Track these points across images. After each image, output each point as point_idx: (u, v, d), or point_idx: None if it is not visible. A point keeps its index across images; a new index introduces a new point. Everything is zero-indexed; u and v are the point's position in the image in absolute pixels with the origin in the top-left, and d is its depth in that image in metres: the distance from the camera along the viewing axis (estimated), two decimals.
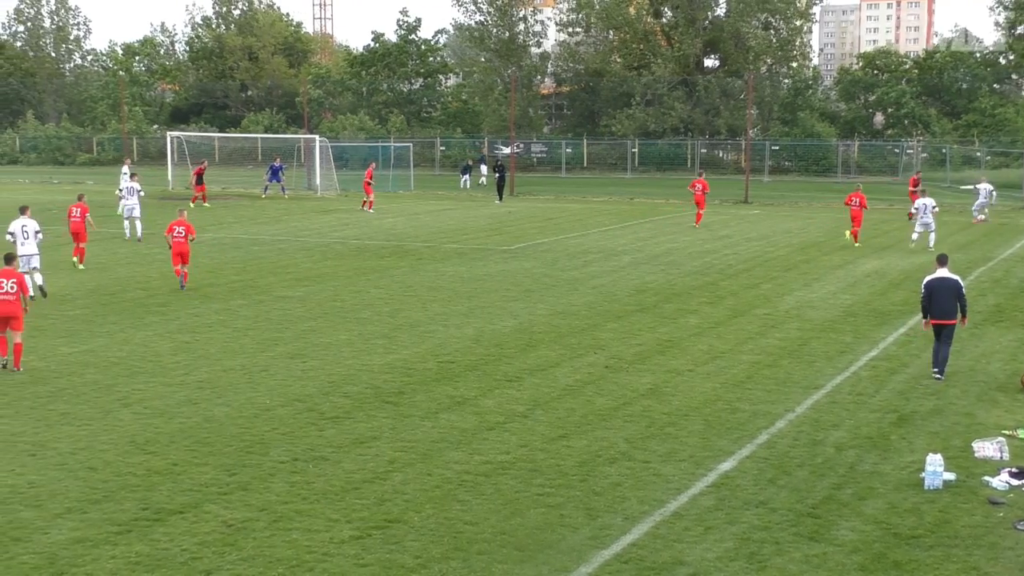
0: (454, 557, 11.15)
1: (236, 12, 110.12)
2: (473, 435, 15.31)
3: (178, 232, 27.51)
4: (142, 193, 39.88)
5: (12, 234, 26.14)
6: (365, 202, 51.59)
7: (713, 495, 12.94)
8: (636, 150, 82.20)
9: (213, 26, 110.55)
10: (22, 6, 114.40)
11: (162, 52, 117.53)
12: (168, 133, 74.64)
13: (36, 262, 25.96)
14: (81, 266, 31.04)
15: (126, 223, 38.97)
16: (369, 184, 51.83)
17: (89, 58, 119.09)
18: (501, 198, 58.26)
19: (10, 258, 19.94)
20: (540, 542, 11.57)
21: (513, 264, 32.70)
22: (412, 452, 14.47)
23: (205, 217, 48.07)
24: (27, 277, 23.15)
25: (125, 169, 48.86)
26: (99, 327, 22.80)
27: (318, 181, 63.87)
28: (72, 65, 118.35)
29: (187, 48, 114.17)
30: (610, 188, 66.40)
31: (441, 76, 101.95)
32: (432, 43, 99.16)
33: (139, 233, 37.46)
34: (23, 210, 26.86)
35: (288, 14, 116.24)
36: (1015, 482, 13.21)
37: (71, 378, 18.36)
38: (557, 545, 11.50)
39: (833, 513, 12.37)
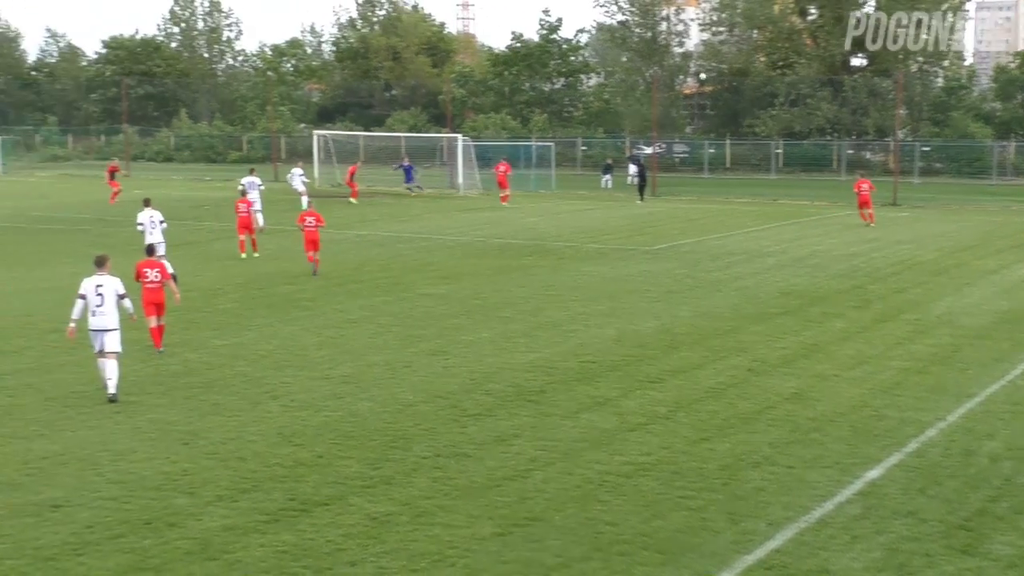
0: (594, 557, 11.12)
1: (380, 13, 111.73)
2: (614, 435, 15.25)
3: (309, 222, 29.99)
4: (262, 187, 41.41)
5: (142, 224, 28.23)
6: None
7: (860, 503, 12.64)
8: (780, 151, 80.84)
9: (358, 27, 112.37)
10: (176, 8, 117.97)
11: (309, 52, 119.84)
12: (314, 132, 76.05)
13: (161, 250, 26.70)
14: (256, 254, 33.95)
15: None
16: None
17: (240, 59, 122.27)
18: (643, 198, 57.99)
19: (151, 250, 21.56)
20: (682, 545, 11.46)
21: (655, 265, 32.49)
22: (553, 451, 14.48)
23: (351, 214, 48.93)
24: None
25: (298, 171, 51.93)
26: (249, 321, 23.36)
27: (460, 180, 64.37)
28: (224, 65, 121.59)
29: (333, 48, 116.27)
30: (753, 189, 65.46)
31: (583, 76, 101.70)
32: (574, 43, 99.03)
33: (261, 223, 38.02)
34: (147, 202, 28.94)
35: (431, 15, 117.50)
36: None
37: (222, 370, 18.85)
38: (699, 548, 11.38)
39: (987, 526, 11.97)
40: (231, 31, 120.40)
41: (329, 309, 24.80)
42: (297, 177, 51.69)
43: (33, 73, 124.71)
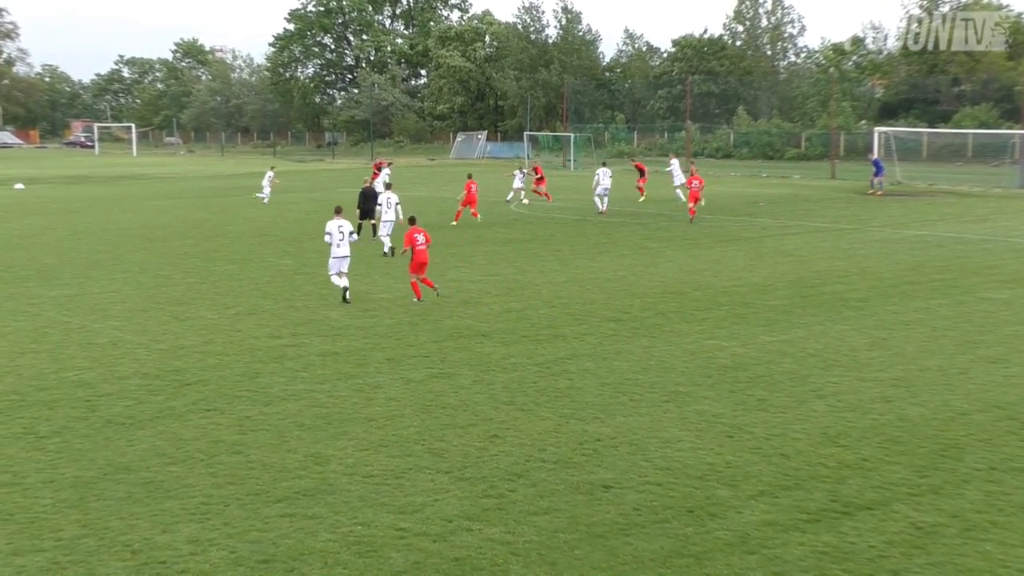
0: None
1: (944, 9, 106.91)
2: None
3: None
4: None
5: (329, 235, 25.60)
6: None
7: None
8: None
9: (924, 23, 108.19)
10: (741, 7, 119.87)
11: (872, 48, 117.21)
12: (875, 129, 74.35)
13: (345, 265, 25.61)
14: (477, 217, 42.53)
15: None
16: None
17: (802, 55, 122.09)
18: None
19: (413, 220, 26.14)
20: None
21: None
22: None
23: (910, 214, 47.37)
24: (336, 278, 25.50)
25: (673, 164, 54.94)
26: (798, 318, 23.28)
27: None
28: (786, 63, 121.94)
29: (898, 43, 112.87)
30: None
31: None
32: None
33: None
34: (338, 211, 26.31)
35: (1009, 5, 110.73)
36: None
37: (768, 366, 18.92)
38: None
39: None
40: (793, 28, 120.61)
41: (881, 310, 24.15)
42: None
43: (607, 73, 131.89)
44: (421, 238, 25.09)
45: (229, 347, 20.52)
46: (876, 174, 59.83)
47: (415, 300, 25.19)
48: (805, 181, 69.41)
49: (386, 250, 33.54)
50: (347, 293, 25.22)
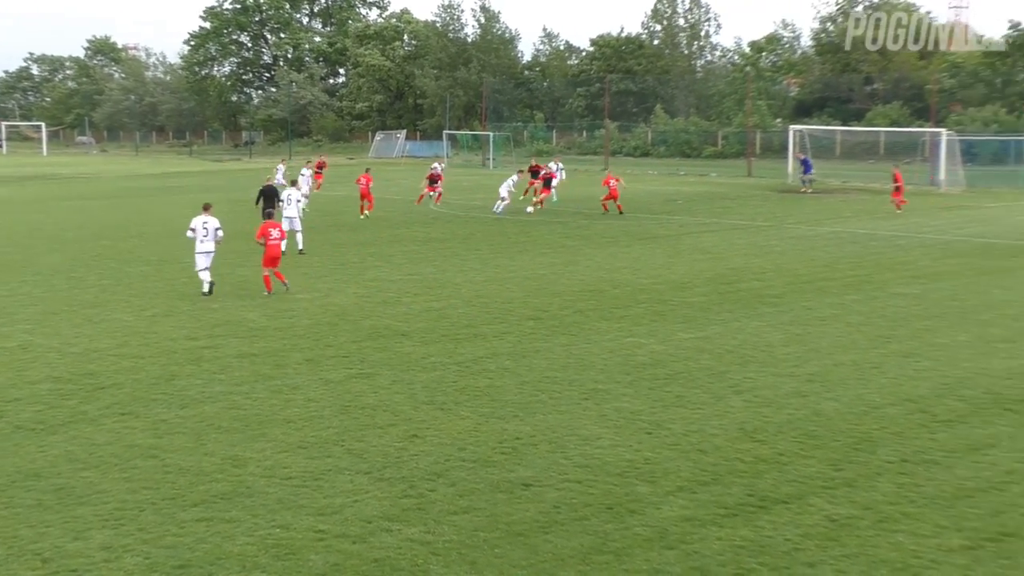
0: None
1: (858, 10, 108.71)
2: None
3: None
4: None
5: (193, 230, 26.07)
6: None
7: None
8: None
9: (838, 21, 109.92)
10: (659, 6, 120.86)
11: (786, 47, 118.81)
12: (791, 127, 75.39)
13: (210, 260, 26.13)
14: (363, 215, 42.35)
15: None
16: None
17: (718, 54, 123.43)
18: None
19: (269, 214, 27.42)
20: None
21: None
22: None
23: (824, 211, 48.08)
24: (202, 272, 26.08)
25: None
26: (715, 315, 23.49)
27: (942, 176, 61.52)
28: (702, 62, 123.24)
29: (812, 43, 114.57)
30: None
31: None
32: None
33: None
34: (206, 208, 26.59)
35: (919, 5, 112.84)
36: None
37: (686, 363, 19.06)
38: None
39: None
40: (710, 27, 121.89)
41: (797, 306, 24.47)
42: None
43: (526, 72, 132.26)
44: (275, 232, 26.13)
45: (144, 349, 20.20)
46: (805, 171, 60.82)
47: (266, 293, 25.99)
48: (722, 179, 70.17)
49: (300, 248, 33.72)
50: (212, 288, 26.00)
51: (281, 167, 47.83)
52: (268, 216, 27.28)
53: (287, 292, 26.12)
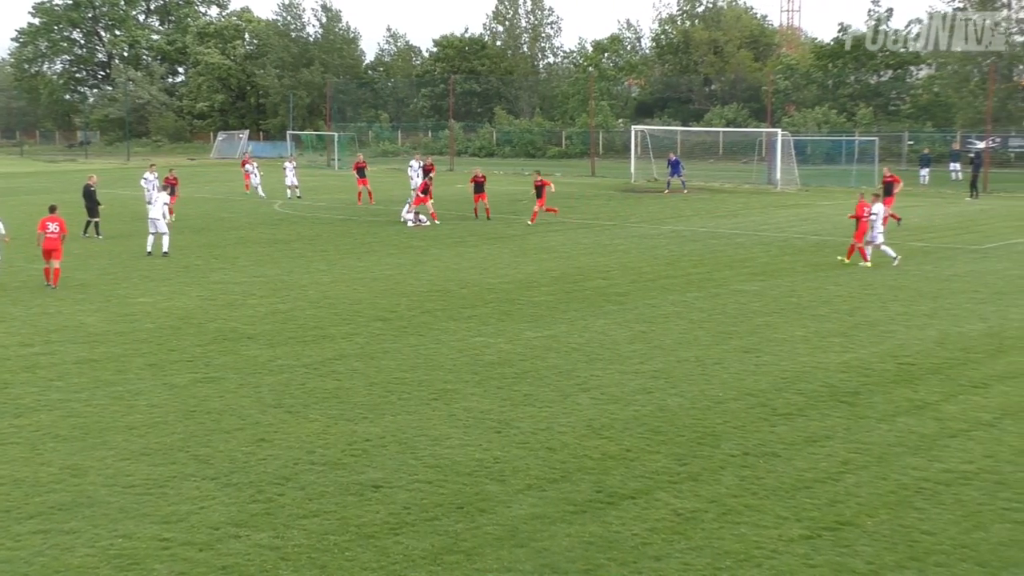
0: (909, 567, 10.68)
1: (700, 9, 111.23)
2: (933, 441, 14.60)
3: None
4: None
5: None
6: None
7: None
8: None
9: (678, 22, 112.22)
10: (500, 7, 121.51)
11: (628, 48, 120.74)
12: (632, 127, 76.59)
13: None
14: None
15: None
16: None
17: (560, 55, 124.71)
18: (974, 194, 55.26)
19: (53, 208, 27.97)
20: (1005, 559, 10.84)
21: (984, 264, 30.88)
22: (867, 454, 14.00)
23: (665, 210, 48.97)
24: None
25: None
26: (562, 314, 23.74)
27: (778, 175, 63.26)
28: (545, 62, 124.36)
29: (653, 44, 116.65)
30: None
31: (912, 68, 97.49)
32: (904, 34, 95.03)
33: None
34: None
35: (753, 8, 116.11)
36: None
37: (534, 361, 19.23)
38: None
39: None
40: (552, 28, 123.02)
41: (641, 304, 24.89)
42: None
43: (370, 72, 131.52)
44: (53, 227, 27.48)
45: None
46: (674, 173, 61.18)
47: (47, 284, 27.29)
48: (567, 179, 70.72)
49: (149, 249, 33.65)
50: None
51: (149, 175, 46.62)
52: (93, 213, 28.66)
53: (51, 290, 26.88)
